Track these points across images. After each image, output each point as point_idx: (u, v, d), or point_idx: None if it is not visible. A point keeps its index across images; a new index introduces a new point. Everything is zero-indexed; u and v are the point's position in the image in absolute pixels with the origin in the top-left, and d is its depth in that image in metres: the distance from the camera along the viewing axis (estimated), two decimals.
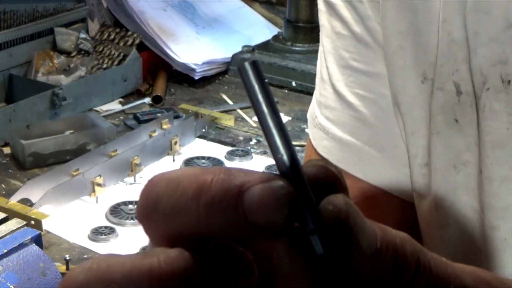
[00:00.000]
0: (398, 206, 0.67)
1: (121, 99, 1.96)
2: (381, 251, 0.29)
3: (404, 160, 0.64)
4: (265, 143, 1.73)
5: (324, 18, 0.67)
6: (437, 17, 0.58)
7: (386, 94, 0.63)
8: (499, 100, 0.55)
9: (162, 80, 2.02)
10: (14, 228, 1.15)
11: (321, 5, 0.67)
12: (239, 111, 1.90)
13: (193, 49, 2.10)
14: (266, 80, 0.29)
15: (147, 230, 0.31)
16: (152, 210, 0.30)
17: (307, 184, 0.28)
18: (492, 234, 0.58)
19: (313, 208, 0.28)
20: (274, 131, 0.29)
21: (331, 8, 0.66)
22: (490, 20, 0.54)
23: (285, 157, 0.28)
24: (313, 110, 0.70)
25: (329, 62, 0.67)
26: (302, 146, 1.64)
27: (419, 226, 0.66)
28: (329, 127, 0.67)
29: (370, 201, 0.66)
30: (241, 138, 1.77)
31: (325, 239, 0.28)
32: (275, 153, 0.29)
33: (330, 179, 0.30)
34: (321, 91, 0.68)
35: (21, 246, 1.04)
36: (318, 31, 0.69)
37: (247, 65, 0.29)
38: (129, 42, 2.01)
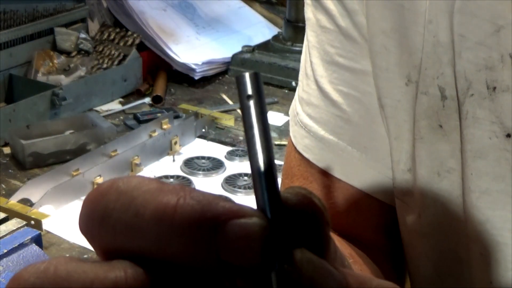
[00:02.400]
0: (380, 209, 0.65)
1: (121, 99, 1.96)
2: None
3: (388, 163, 0.62)
4: None
5: (309, 11, 0.64)
6: (423, 17, 0.55)
7: (371, 92, 0.61)
8: (483, 107, 0.53)
9: (162, 80, 2.02)
10: (14, 228, 1.15)
11: None
12: (239, 111, 1.90)
13: (193, 49, 2.10)
14: (264, 99, 0.26)
15: (92, 242, 0.27)
16: (98, 223, 0.26)
17: (285, 231, 0.25)
18: (472, 246, 0.57)
19: (286, 257, 0.25)
20: (261, 164, 0.25)
21: (317, 1, 0.63)
22: (477, 23, 0.52)
23: (266, 194, 0.25)
24: (295, 107, 0.68)
25: (313, 57, 0.64)
26: None
27: (400, 233, 0.64)
28: (311, 125, 0.64)
29: (350, 203, 0.64)
30: (241, 138, 1.77)
31: None
32: (257, 187, 0.26)
33: (311, 211, 0.27)
34: (304, 87, 0.66)
35: (21, 246, 1.04)
36: None
37: (246, 76, 0.26)
38: (129, 42, 2.01)
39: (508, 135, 0.53)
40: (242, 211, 0.25)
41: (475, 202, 0.55)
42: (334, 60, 0.62)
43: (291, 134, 0.68)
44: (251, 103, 0.26)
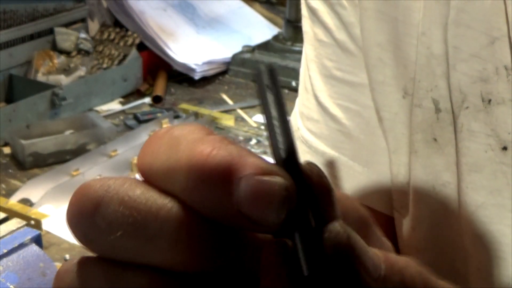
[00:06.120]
0: (382, 222, 0.64)
1: (121, 99, 1.96)
2: (386, 274, 0.27)
3: (390, 176, 0.61)
4: (265, 143, 1.73)
5: (306, 24, 0.64)
6: (417, 29, 0.55)
7: (371, 106, 0.60)
8: (478, 120, 0.53)
9: (162, 80, 2.02)
10: (14, 228, 1.14)
11: (304, 11, 0.64)
12: (239, 111, 1.90)
13: (193, 49, 2.10)
14: (281, 92, 0.27)
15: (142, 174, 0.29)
16: (149, 164, 0.27)
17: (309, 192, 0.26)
18: (469, 261, 0.56)
19: (307, 225, 0.26)
20: (282, 148, 0.27)
21: (314, 14, 0.63)
22: (472, 35, 0.52)
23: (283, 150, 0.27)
24: (296, 121, 0.67)
25: (312, 71, 0.64)
26: None
27: (398, 246, 0.63)
28: (312, 141, 0.64)
29: None
30: (241, 138, 1.77)
31: (314, 261, 0.25)
32: (275, 149, 0.27)
33: (322, 193, 0.27)
34: (304, 102, 0.65)
35: (21, 246, 1.04)
36: None
37: (263, 69, 0.27)
38: (129, 42, 2.01)
39: (504, 148, 0.52)
40: (268, 169, 0.26)
41: (472, 216, 0.54)
42: (332, 74, 0.62)
43: None
44: (268, 93, 0.27)
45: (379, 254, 0.27)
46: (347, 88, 0.61)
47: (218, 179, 0.25)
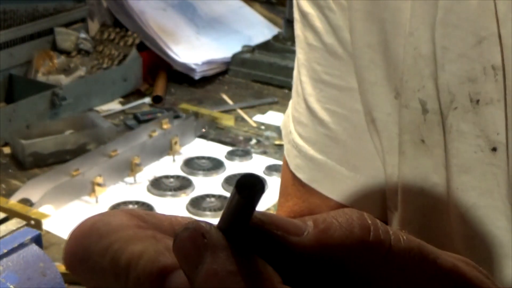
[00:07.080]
0: None
1: (121, 99, 1.96)
2: (319, 233, 0.28)
3: (379, 179, 0.61)
4: (265, 143, 1.73)
5: (298, 28, 0.64)
6: (405, 29, 0.55)
7: (358, 110, 0.60)
8: (467, 121, 0.52)
9: (162, 80, 2.02)
10: (14, 228, 1.14)
11: (296, 14, 0.64)
12: (239, 111, 1.90)
13: (193, 49, 2.10)
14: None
15: (75, 276, 0.30)
16: (79, 262, 0.29)
17: None
18: None
19: None
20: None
21: (305, 18, 0.62)
22: (459, 34, 0.52)
23: None
24: (288, 123, 0.67)
25: (302, 76, 0.64)
26: None
27: None
28: (301, 145, 0.64)
29: None
30: (241, 138, 1.77)
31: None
32: None
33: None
34: (296, 106, 0.65)
35: (21, 246, 1.04)
36: None
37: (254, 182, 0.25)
38: (129, 42, 2.01)
39: (494, 149, 0.52)
40: (170, 282, 0.26)
41: (462, 217, 0.54)
42: (321, 78, 0.62)
43: (285, 152, 0.67)
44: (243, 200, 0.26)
45: (305, 218, 0.28)
46: (335, 92, 0.61)
47: (145, 278, 0.27)
